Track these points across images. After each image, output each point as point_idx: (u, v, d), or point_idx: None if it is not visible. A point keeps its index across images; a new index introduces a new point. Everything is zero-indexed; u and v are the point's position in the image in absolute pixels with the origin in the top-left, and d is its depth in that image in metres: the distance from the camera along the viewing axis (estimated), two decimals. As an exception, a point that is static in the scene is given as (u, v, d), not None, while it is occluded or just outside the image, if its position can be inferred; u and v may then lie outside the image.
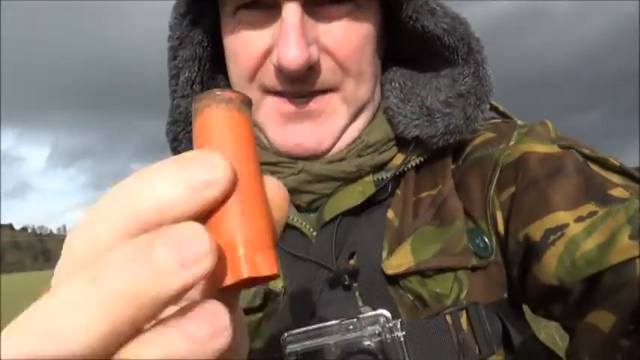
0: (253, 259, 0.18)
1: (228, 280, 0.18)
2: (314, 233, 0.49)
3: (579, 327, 0.40)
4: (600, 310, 0.38)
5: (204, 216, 0.18)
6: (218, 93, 0.20)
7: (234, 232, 0.18)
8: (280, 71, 0.45)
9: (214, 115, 0.20)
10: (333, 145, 0.49)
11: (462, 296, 0.45)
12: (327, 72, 0.46)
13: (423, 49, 0.51)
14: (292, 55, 0.42)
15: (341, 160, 0.49)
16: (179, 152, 0.53)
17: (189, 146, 0.52)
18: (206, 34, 0.51)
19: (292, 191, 0.49)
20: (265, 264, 0.19)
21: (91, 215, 0.18)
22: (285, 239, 0.50)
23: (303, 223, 0.49)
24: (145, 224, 0.18)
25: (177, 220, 0.17)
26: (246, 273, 0.18)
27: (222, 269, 0.18)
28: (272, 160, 0.49)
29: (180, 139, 0.53)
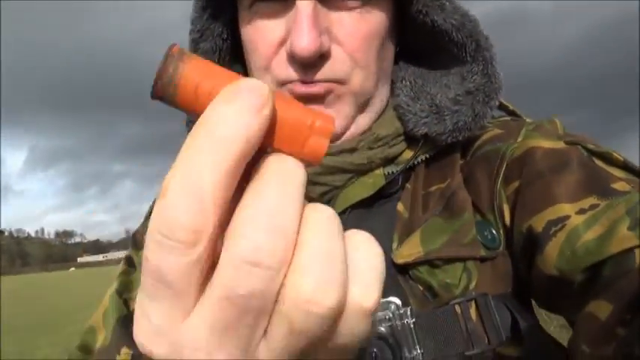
0: (314, 123, 0.21)
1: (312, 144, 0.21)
2: None
3: (579, 316, 0.41)
4: (599, 299, 0.39)
5: None
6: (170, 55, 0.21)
7: (291, 113, 0.21)
8: (293, 59, 0.47)
9: (194, 68, 0.21)
10: (343, 132, 0.50)
11: (471, 287, 0.46)
12: (337, 62, 0.47)
13: (433, 45, 0.53)
14: (305, 42, 0.44)
15: (352, 150, 0.50)
16: None
17: None
18: (225, 27, 0.52)
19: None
20: (325, 121, 0.21)
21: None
22: None
23: None
24: (239, 154, 0.19)
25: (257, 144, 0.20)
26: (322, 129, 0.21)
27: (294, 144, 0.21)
28: None
29: None
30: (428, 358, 0.43)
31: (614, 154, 0.45)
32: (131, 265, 0.59)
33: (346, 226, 0.49)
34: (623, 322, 0.37)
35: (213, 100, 0.19)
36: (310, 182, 0.50)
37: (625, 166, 0.45)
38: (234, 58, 0.55)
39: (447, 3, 0.49)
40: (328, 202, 0.51)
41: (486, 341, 0.44)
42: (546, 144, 0.48)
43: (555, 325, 2.33)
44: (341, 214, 0.49)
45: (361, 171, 0.51)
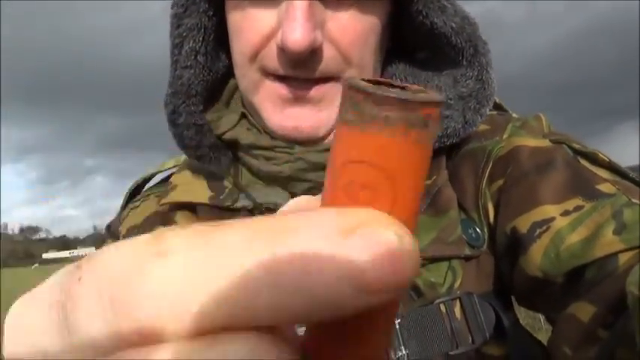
0: None
1: None
2: None
3: (560, 318, 0.41)
4: (581, 301, 0.39)
5: None
6: (409, 102, 0.12)
7: None
8: (283, 53, 0.44)
9: (401, 150, 0.12)
10: (330, 132, 0.49)
11: (456, 285, 0.45)
12: (329, 59, 0.46)
13: (427, 45, 0.51)
14: (297, 36, 0.42)
15: None
16: (177, 125, 0.51)
17: (188, 120, 0.50)
18: (211, 4, 0.49)
19: (288, 179, 0.49)
20: None
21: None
22: None
23: None
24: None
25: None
26: None
27: None
28: (267, 144, 0.49)
29: (179, 112, 0.51)
30: (413, 359, 0.42)
31: (600, 154, 0.46)
32: None
33: None
34: (605, 324, 0.37)
35: None
36: (295, 179, 0.49)
37: (610, 167, 0.45)
38: (219, 36, 0.52)
39: (448, 4, 0.47)
40: None
41: (470, 340, 0.43)
42: (532, 142, 0.48)
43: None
44: None
45: None
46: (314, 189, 0.49)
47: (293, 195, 0.50)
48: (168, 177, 0.60)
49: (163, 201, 0.54)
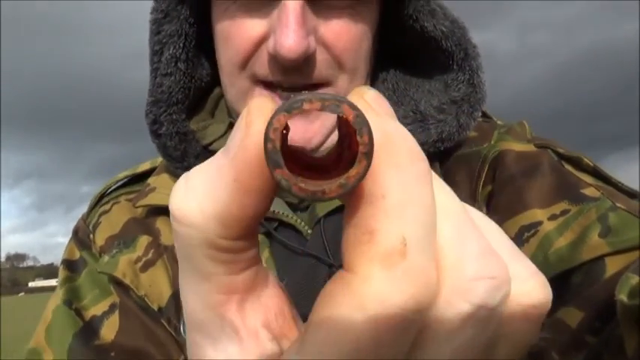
0: None
1: None
2: (309, 231, 0.48)
3: (548, 323, 0.41)
4: (569, 306, 0.39)
5: None
6: None
7: None
8: (275, 60, 0.44)
9: None
10: (323, 142, 0.48)
11: None
12: (322, 65, 0.45)
13: (417, 49, 0.51)
14: (291, 43, 0.41)
15: None
16: (160, 135, 0.49)
17: (170, 129, 0.49)
18: (193, 11, 0.48)
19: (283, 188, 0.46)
20: None
21: None
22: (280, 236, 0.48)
23: (298, 220, 0.48)
24: None
25: None
26: None
27: None
28: None
29: (161, 121, 0.49)
30: None
31: (585, 159, 0.46)
32: (73, 270, 0.52)
33: (332, 229, 0.47)
34: (593, 330, 0.37)
35: None
36: None
37: (594, 172, 0.45)
38: (200, 43, 0.51)
39: (438, 8, 0.47)
40: (307, 208, 0.49)
41: None
42: (518, 147, 0.48)
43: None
44: (325, 217, 0.48)
45: None
46: None
47: (288, 203, 0.49)
48: (139, 177, 0.57)
49: (141, 202, 0.51)
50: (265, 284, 0.16)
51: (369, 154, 0.13)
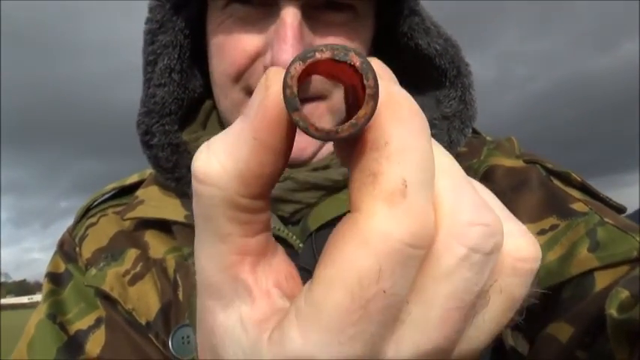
0: None
1: None
2: (300, 245, 0.47)
3: (539, 337, 0.41)
4: (559, 321, 0.39)
5: None
6: None
7: None
8: None
9: None
10: (316, 153, 0.48)
11: None
12: (318, 80, 0.45)
13: (408, 65, 0.51)
14: (288, 58, 0.41)
15: (325, 167, 0.48)
16: (151, 146, 0.49)
17: (162, 140, 0.48)
18: (188, 22, 0.48)
19: (276, 200, 0.47)
20: None
21: None
22: None
23: (290, 234, 0.47)
24: None
25: None
26: None
27: None
28: None
29: (153, 132, 0.49)
30: None
31: (573, 174, 0.47)
32: (58, 283, 0.51)
33: (318, 245, 0.46)
34: (584, 345, 0.37)
35: None
36: (282, 200, 0.47)
37: (582, 187, 0.46)
38: (194, 54, 0.51)
39: (432, 27, 0.48)
40: (299, 221, 0.49)
41: None
42: (507, 162, 0.49)
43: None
44: (317, 231, 0.47)
45: (336, 188, 0.48)
46: (301, 210, 0.48)
47: (280, 217, 0.48)
48: (127, 189, 0.56)
49: (130, 215, 0.50)
50: (275, 251, 0.18)
51: (374, 96, 0.14)
